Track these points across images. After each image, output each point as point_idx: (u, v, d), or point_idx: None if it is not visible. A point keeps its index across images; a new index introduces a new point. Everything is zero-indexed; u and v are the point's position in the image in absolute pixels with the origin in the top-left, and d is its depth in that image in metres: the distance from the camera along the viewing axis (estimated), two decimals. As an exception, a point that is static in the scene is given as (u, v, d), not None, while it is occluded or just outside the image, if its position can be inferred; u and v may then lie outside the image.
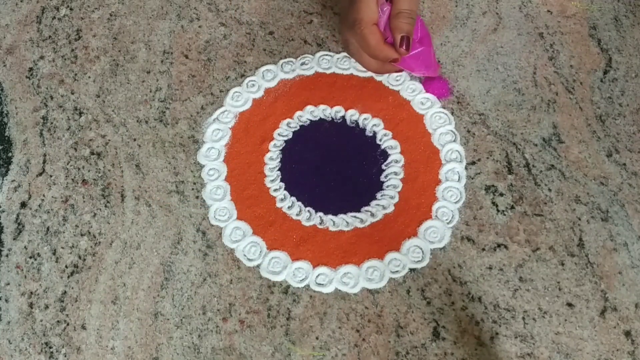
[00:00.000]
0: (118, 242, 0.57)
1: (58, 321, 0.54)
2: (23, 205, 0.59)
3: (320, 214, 0.58)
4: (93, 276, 0.56)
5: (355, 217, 0.57)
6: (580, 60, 0.65)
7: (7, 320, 0.54)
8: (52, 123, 0.63)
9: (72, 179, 0.60)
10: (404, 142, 0.61)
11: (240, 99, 0.64)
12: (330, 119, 0.62)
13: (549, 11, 0.68)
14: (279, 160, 0.60)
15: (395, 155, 0.60)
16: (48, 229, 0.58)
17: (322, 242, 0.56)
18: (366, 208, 0.58)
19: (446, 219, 0.57)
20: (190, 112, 0.63)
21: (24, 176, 0.61)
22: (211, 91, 0.64)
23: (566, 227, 0.56)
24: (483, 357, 0.51)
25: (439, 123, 0.61)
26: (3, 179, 0.61)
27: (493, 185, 0.58)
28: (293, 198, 0.58)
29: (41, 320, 0.54)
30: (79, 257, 0.56)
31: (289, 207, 0.58)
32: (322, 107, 0.63)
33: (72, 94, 0.65)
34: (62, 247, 0.57)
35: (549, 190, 0.58)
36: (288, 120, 0.62)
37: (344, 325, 0.53)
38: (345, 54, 0.65)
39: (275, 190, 0.59)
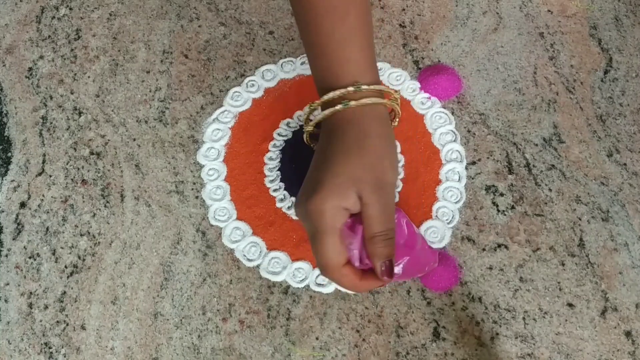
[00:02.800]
0: (117, 242, 0.57)
1: (57, 321, 0.54)
2: (22, 205, 0.59)
3: (320, 214, 0.57)
4: (92, 276, 0.55)
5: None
6: (580, 60, 0.65)
7: (6, 320, 0.54)
8: (51, 123, 0.63)
9: (72, 179, 0.60)
10: (404, 142, 0.61)
11: (240, 98, 0.64)
12: (330, 118, 0.62)
13: (549, 11, 0.68)
14: (278, 160, 0.60)
15: (396, 155, 0.60)
16: (47, 229, 0.58)
17: (322, 242, 0.56)
18: (366, 208, 0.57)
19: (446, 219, 0.57)
20: (190, 112, 0.63)
21: (23, 176, 0.60)
22: (211, 91, 0.64)
23: (567, 227, 0.56)
24: (483, 357, 0.51)
25: (439, 123, 0.61)
26: (2, 179, 0.60)
27: (493, 185, 0.58)
28: (293, 198, 0.58)
29: (41, 321, 0.54)
30: (79, 257, 0.56)
31: (288, 207, 0.58)
32: (322, 107, 0.63)
33: (72, 93, 0.65)
34: (62, 247, 0.57)
35: (550, 190, 0.58)
36: (288, 120, 0.62)
37: (344, 326, 0.53)
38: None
39: (275, 190, 0.59)
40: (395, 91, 0.51)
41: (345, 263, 0.45)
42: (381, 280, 0.46)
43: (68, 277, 0.56)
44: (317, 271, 0.55)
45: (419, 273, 0.50)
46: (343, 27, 0.49)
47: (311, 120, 0.49)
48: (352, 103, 0.47)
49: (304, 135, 0.51)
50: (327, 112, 0.48)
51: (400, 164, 0.59)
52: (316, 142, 0.50)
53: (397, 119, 0.53)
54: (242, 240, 0.56)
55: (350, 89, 0.48)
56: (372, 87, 0.49)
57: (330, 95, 0.48)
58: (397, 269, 0.47)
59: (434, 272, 0.54)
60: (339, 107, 0.47)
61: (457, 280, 0.54)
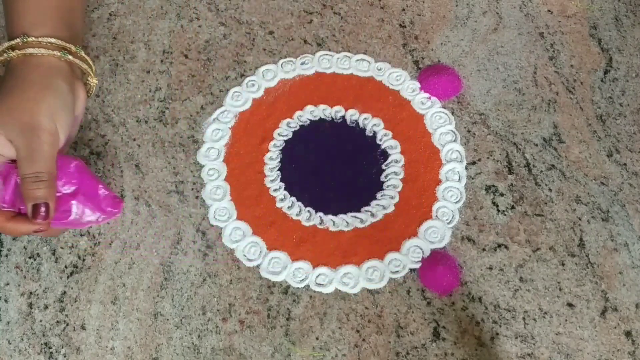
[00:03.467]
0: (117, 242, 0.57)
1: (57, 321, 0.54)
2: (22, 205, 0.59)
3: (320, 214, 0.57)
4: (92, 276, 0.55)
5: (355, 217, 0.57)
6: (580, 60, 0.65)
7: (6, 320, 0.54)
8: (51, 123, 0.63)
9: (72, 179, 0.60)
10: (404, 142, 0.61)
11: (240, 98, 0.64)
12: (330, 119, 0.62)
13: (549, 11, 0.68)
14: (279, 160, 0.60)
15: (396, 155, 0.60)
16: (47, 229, 0.58)
17: (322, 242, 0.56)
18: (366, 208, 0.58)
19: (446, 219, 0.57)
20: (190, 112, 0.63)
21: (23, 176, 0.60)
22: (211, 91, 0.64)
23: (567, 227, 0.56)
24: (483, 357, 0.51)
25: (439, 123, 0.61)
26: (2, 179, 0.60)
27: (493, 185, 0.58)
28: (293, 198, 0.58)
29: (40, 321, 0.54)
30: (79, 257, 0.56)
31: (289, 207, 0.58)
32: (322, 107, 0.63)
33: (72, 93, 0.65)
34: (62, 247, 0.57)
35: (550, 190, 0.58)
36: (288, 120, 0.62)
37: (344, 326, 0.53)
38: (345, 53, 0.65)
39: (275, 190, 0.59)
40: (76, 47, 0.52)
41: None
42: (35, 224, 0.47)
43: (68, 277, 0.56)
44: (317, 271, 0.55)
45: (93, 222, 0.50)
46: None
47: None
48: (13, 53, 0.49)
49: None
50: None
51: (400, 164, 0.59)
52: None
53: (90, 78, 0.54)
54: (242, 240, 0.56)
55: (17, 40, 0.50)
56: (41, 39, 0.50)
57: (3, 46, 0.50)
58: (64, 216, 0.48)
59: (434, 272, 0.54)
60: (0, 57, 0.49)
61: (458, 281, 0.54)
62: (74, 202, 0.49)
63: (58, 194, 0.48)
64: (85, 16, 0.55)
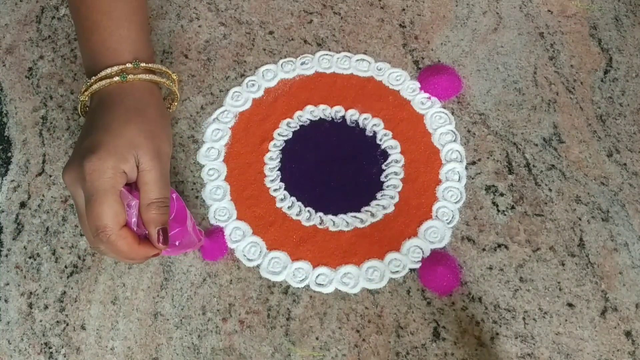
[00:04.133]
0: (118, 242, 0.57)
1: (57, 321, 0.54)
2: (22, 205, 0.59)
3: (320, 214, 0.57)
4: (92, 276, 0.55)
5: (355, 217, 0.57)
6: (580, 60, 0.65)
7: (6, 320, 0.54)
8: (51, 123, 0.63)
9: (72, 179, 0.60)
10: (404, 142, 0.61)
11: (240, 98, 0.64)
12: (330, 119, 0.62)
13: (549, 11, 0.68)
14: (279, 160, 0.60)
15: (396, 155, 0.60)
16: (47, 229, 0.58)
17: (322, 242, 0.56)
18: (366, 208, 0.58)
19: (446, 219, 0.57)
20: (189, 112, 0.63)
21: (23, 176, 0.60)
22: (211, 91, 0.64)
23: (567, 227, 0.56)
24: (483, 357, 0.51)
25: (439, 123, 0.61)
26: (2, 179, 0.60)
27: (493, 185, 0.58)
28: (293, 198, 0.58)
29: (40, 321, 0.54)
30: (79, 257, 0.56)
31: (289, 207, 0.58)
32: (322, 107, 0.63)
33: (72, 93, 0.65)
34: (62, 247, 0.57)
35: (550, 190, 0.58)
36: (288, 120, 0.62)
37: (344, 326, 0.53)
38: (345, 53, 0.65)
39: (275, 190, 0.59)
40: (173, 72, 0.55)
41: (124, 226, 0.46)
42: (157, 248, 0.47)
43: (68, 277, 0.56)
44: (317, 271, 0.55)
45: (190, 247, 0.52)
46: (121, 6, 0.53)
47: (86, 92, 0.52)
48: (130, 77, 0.50)
49: (78, 106, 0.54)
50: (104, 82, 0.50)
51: (400, 164, 0.59)
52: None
53: (176, 103, 0.57)
54: (242, 240, 0.56)
55: (129, 65, 0.51)
56: (149, 65, 0.53)
57: (109, 70, 0.51)
58: (174, 240, 0.49)
59: (434, 272, 0.54)
60: (116, 78, 0.50)
61: (458, 281, 0.54)
62: (178, 229, 0.50)
63: None
64: None
